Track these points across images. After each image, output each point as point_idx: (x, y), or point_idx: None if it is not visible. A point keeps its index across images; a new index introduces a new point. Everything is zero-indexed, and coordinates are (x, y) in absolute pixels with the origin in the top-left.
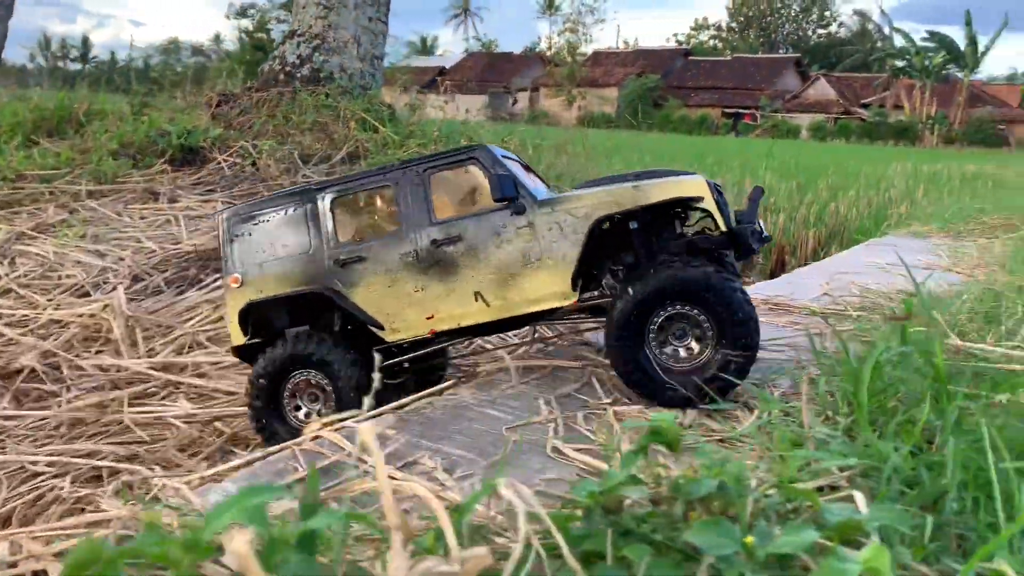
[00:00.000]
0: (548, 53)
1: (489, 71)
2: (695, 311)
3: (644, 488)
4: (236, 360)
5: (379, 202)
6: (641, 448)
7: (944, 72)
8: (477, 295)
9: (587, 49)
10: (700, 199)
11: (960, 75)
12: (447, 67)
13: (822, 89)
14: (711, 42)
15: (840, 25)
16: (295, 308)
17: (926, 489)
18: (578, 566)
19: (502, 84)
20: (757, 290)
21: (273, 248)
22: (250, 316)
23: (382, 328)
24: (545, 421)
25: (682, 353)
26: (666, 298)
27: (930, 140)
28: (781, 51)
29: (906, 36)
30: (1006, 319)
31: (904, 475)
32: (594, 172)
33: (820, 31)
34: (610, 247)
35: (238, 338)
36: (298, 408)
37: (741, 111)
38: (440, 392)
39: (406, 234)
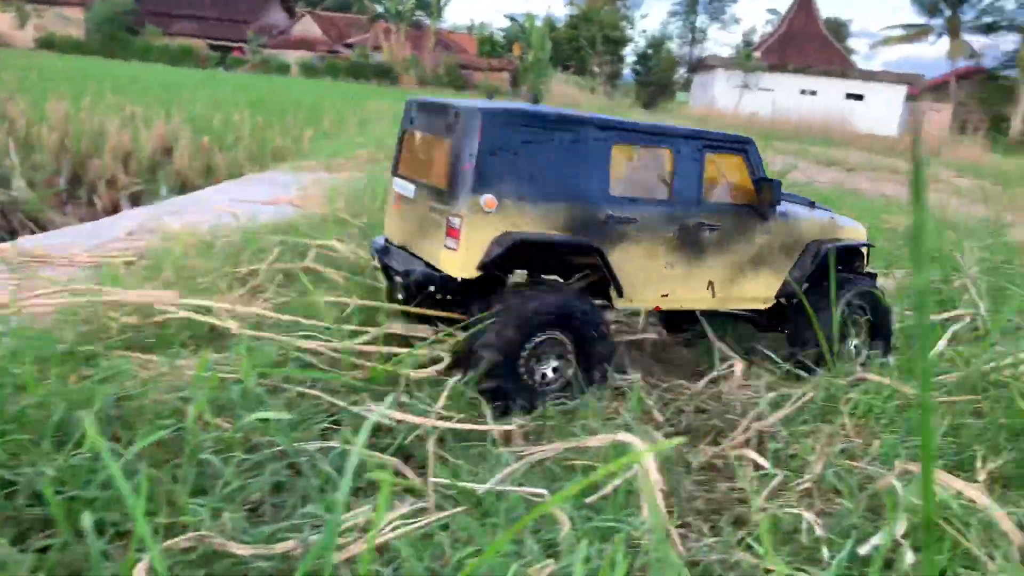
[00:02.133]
0: None
1: None
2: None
3: None
4: None
5: (654, 162)
6: None
7: (415, 18)
8: (710, 284)
9: None
10: (872, 247)
11: (429, 22)
12: None
13: (308, 26)
14: None
15: None
16: (534, 253)
17: None
18: None
19: None
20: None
21: (542, 177)
22: (497, 251)
23: (620, 294)
24: None
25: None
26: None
27: (409, 81)
28: None
29: None
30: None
31: None
32: None
33: None
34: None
35: (467, 270)
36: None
37: (229, 44)
38: None
39: (677, 207)
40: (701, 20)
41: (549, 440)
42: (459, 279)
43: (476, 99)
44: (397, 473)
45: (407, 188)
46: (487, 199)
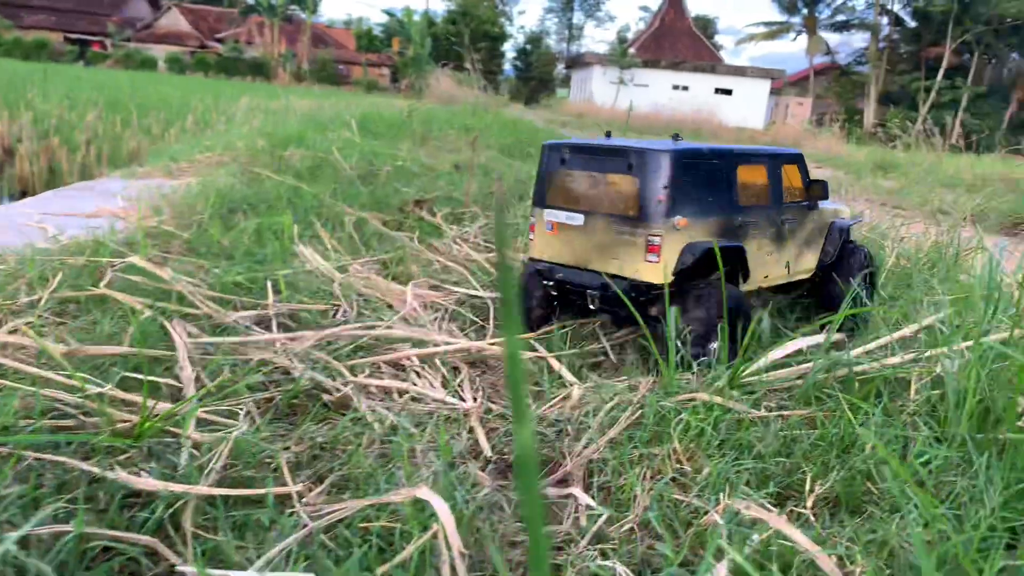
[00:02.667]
0: None
1: None
2: None
3: None
4: None
5: (756, 177)
6: None
7: (289, 12)
8: (787, 263)
9: None
10: (861, 220)
11: (304, 16)
12: None
13: (175, 20)
14: None
15: None
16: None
17: None
18: None
19: None
20: None
21: (703, 198)
22: (680, 257)
23: (745, 280)
24: None
25: None
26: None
27: (284, 77)
28: None
29: None
30: None
31: None
32: None
33: None
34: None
35: (667, 277)
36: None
37: (88, 38)
38: None
39: (772, 209)
40: (577, 17)
41: (353, 493)
42: (659, 284)
43: (630, 139)
44: (153, 554)
45: (571, 217)
46: (679, 220)
